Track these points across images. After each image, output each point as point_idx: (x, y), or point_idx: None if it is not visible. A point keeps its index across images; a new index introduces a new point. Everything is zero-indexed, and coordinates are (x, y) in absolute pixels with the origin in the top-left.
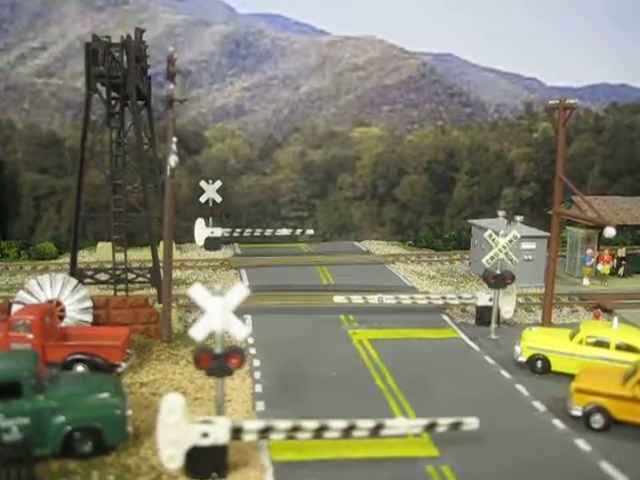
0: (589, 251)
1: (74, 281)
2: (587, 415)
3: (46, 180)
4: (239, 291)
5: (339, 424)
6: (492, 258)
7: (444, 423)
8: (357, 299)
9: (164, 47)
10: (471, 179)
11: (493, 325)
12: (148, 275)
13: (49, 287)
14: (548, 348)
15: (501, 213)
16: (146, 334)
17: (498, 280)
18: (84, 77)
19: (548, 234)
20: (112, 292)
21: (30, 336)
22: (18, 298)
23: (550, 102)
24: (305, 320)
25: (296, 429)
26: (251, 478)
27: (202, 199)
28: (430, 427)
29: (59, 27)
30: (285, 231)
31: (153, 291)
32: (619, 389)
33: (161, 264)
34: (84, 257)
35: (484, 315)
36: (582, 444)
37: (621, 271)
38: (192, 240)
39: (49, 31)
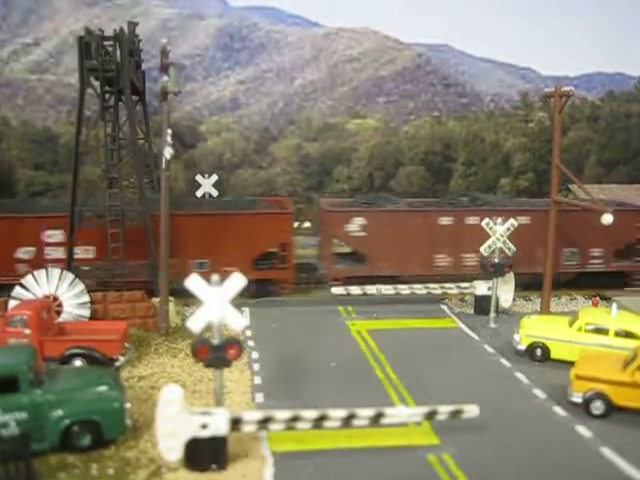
0: None
1: (71, 276)
2: (587, 401)
3: (41, 176)
4: (236, 281)
5: (339, 413)
6: (489, 247)
7: (444, 411)
8: (355, 290)
9: (158, 41)
10: (467, 169)
11: (492, 314)
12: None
13: (45, 282)
14: (547, 336)
15: None
16: (144, 328)
17: (496, 269)
18: (78, 72)
19: None
20: None
21: (27, 331)
22: (14, 293)
23: (546, 90)
24: (303, 312)
25: (295, 419)
26: (251, 469)
27: (198, 193)
28: (430, 415)
29: (52, 23)
30: None
31: None
32: (619, 375)
33: None
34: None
35: (483, 304)
36: (582, 430)
37: None
38: None
39: (42, 27)
